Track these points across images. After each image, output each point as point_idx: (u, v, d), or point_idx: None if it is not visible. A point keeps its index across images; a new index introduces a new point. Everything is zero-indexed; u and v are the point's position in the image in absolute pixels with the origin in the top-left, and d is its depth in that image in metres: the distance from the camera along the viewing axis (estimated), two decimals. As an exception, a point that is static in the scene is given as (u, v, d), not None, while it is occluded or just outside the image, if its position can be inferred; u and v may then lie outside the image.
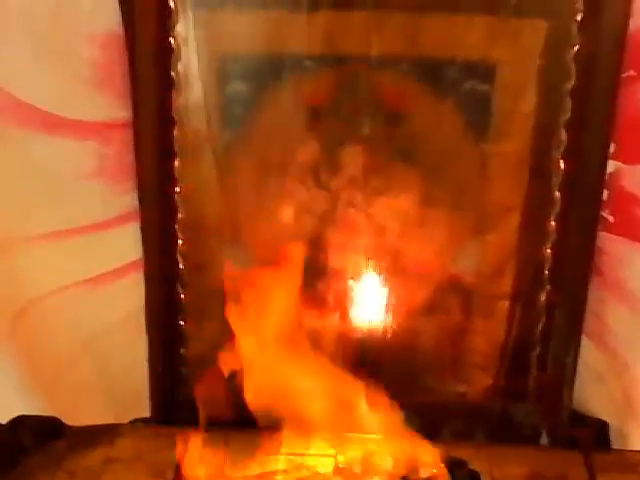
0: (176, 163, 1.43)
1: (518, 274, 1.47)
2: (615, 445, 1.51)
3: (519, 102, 1.36)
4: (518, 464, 1.42)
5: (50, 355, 1.49)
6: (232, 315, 1.34)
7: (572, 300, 1.45)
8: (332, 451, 1.37)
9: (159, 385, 1.53)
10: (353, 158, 1.41)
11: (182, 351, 1.54)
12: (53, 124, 1.36)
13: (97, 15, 1.31)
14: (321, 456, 1.37)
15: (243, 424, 1.39)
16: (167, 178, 1.43)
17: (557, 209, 1.41)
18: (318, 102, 1.40)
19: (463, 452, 1.34)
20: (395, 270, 1.46)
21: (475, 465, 1.32)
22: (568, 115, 1.36)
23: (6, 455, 1.40)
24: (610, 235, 1.41)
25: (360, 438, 1.38)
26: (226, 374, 1.38)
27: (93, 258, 1.46)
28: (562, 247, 1.42)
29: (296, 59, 1.36)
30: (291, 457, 1.37)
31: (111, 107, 1.38)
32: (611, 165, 1.37)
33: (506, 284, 1.48)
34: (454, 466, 1.30)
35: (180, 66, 1.37)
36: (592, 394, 1.51)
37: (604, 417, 1.52)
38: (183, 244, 1.48)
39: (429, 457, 1.28)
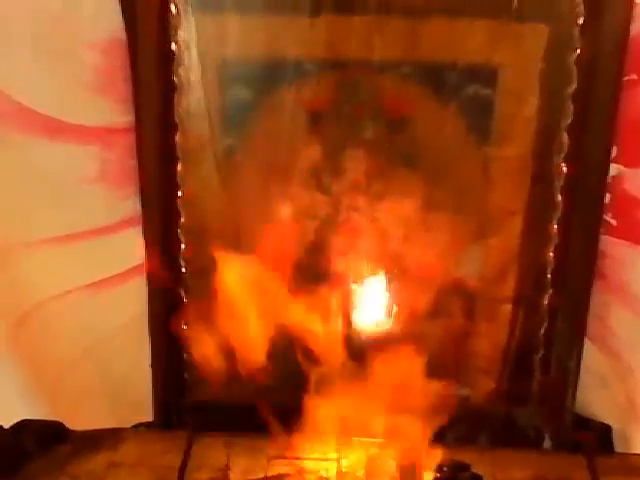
0: (178, 168, 1.43)
1: (521, 278, 1.47)
2: (618, 449, 1.51)
3: (521, 106, 1.37)
4: (521, 467, 1.42)
5: (53, 360, 1.49)
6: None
7: (575, 303, 1.45)
8: (335, 455, 1.36)
9: (162, 389, 1.53)
10: (355, 162, 1.41)
11: (185, 356, 1.54)
12: (55, 129, 1.36)
13: (99, 21, 1.32)
14: (324, 460, 1.36)
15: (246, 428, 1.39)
16: (169, 183, 1.44)
17: (559, 213, 1.42)
18: (320, 106, 1.40)
19: (466, 456, 1.34)
20: (398, 274, 1.46)
21: (478, 469, 1.32)
22: (570, 119, 1.36)
23: (9, 459, 1.40)
24: (613, 238, 1.41)
25: (363, 442, 1.38)
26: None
27: (95, 263, 1.47)
28: (564, 250, 1.43)
29: (298, 64, 1.37)
30: (294, 461, 1.36)
31: (113, 112, 1.38)
32: (613, 168, 1.38)
33: (509, 288, 1.48)
34: (457, 470, 1.30)
35: (182, 71, 1.37)
36: (595, 398, 1.51)
37: (607, 421, 1.52)
38: (185, 248, 1.48)
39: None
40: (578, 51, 1.32)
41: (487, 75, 1.35)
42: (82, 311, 1.48)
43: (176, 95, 1.38)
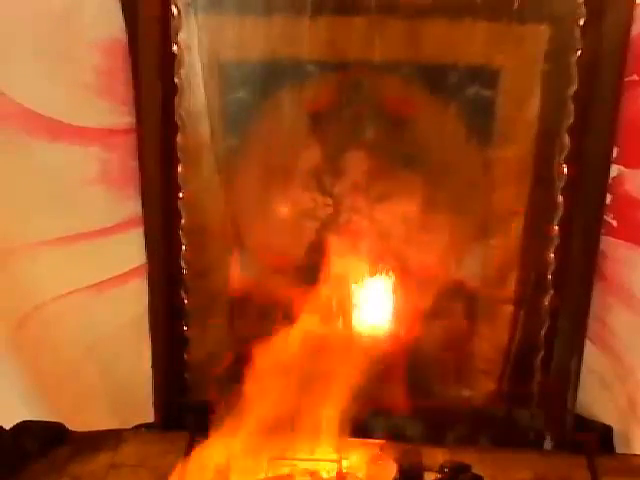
0: (179, 169, 1.43)
1: (522, 279, 1.47)
2: (619, 449, 1.51)
3: (522, 107, 1.36)
4: (522, 468, 1.42)
5: (54, 361, 1.49)
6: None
7: (576, 304, 1.45)
8: (336, 456, 1.36)
9: (163, 390, 1.53)
10: (356, 163, 1.41)
11: (185, 356, 1.54)
12: (56, 130, 1.36)
13: (100, 22, 1.32)
14: (325, 461, 1.36)
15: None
16: (170, 184, 1.43)
17: (560, 214, 1.41)
18: (320, 108, 1.40)
19: (467, 457, 1.35)
20: (399, 275, 1.46)
21: (479, 469, 1.32)
22: (571, 120, 1.36)
23: (10, 460, 1.41)
24: (614, 239, 1.41)
25: (364, 443, 1.38)
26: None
27: (97, 264, 1.47)
28: (565, 251, 1.42)
29: (298, 65, 1.36)
30: (295, 462, 1.36)
31: (114, 113, 1.38)
32: (614, 169, 1.37)
33: (510, 289, 1.48)
34: (458, 470, 1.30)
35: (183, 72, 1.37)
36: (596, 398, 1.51)
37: (608, 421, 1.52)
38: (186, 250, 1.48)
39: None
40: (579, 52, 1.32)
41: (488, 76, 1.35)
42: (83, 312, 1.48)
43: (177, 96, 1.38)
